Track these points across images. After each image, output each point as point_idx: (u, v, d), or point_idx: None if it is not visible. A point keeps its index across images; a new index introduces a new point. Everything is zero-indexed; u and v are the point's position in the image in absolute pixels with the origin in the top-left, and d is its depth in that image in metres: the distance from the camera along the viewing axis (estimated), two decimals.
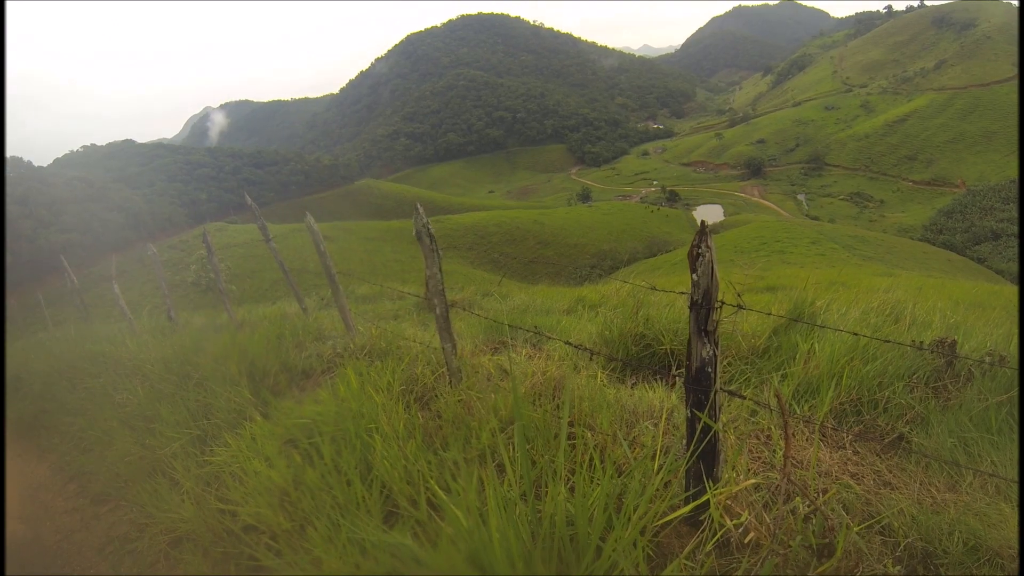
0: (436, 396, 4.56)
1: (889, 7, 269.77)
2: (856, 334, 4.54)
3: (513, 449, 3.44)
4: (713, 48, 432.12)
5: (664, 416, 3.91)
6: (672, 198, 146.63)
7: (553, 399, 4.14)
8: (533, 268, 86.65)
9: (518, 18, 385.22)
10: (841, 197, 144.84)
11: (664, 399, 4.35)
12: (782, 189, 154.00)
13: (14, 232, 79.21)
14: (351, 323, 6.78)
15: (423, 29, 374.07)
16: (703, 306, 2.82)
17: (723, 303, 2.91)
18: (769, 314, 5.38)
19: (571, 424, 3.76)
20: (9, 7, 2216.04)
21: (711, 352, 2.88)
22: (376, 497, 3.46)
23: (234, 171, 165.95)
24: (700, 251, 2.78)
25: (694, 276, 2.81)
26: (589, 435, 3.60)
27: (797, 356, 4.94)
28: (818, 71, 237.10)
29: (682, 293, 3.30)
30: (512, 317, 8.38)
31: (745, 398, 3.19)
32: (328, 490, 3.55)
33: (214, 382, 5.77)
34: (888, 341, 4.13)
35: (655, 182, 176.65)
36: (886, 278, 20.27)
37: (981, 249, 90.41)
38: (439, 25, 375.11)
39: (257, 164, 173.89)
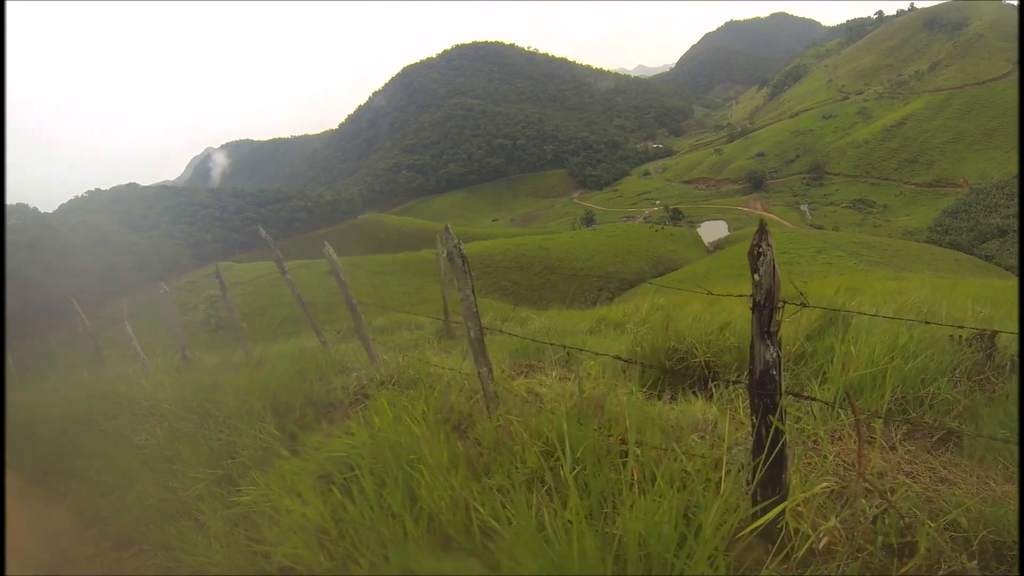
0: (473, 423, 4.43)
1: (880, 12, 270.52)
2: (907, 320, 4.56)
3: (564, 471, 3.26)
4: (707, 64, 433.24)
5: (710, 428, 3.83)
6: (676, 216, 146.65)
7: (596, 418, 4.00)
8: (541, 293, 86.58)
9: (512, 45, 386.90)
10: (844, 205, 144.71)
11: (705, 411, 4.28)
12: (784, 201, 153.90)
13: (23, 279, 79.61)
14: (375, 353, 6.64)
15: (419, 61, 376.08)
16: (766, 307, 2.69)
17: (785, 302, 2.77)
18: (814, 308, 5.27)
19: (621, 441, 3.61)
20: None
21: (775, 355, 2.76)
22: (424, 528, 3.29)
23: (238, 210, 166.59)
24: (761, 250, 2.65)
25: (756, 276, 2.70)
26: (640, 451, 3.44)
27: (835, 359, 4.86)
28: (813, 81, 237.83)
29: (740, 296, 3.16)
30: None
31: (814, 399, 3.06)
32: (371, 525, 3.38)
33: (237, 419, 5.59)
34: (930, 323, 3.99)
35: (658, 201, 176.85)
36: (896, 281, 20.19)
37: (988, 247, 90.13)
38: (435, 56, 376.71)
39: (260, 203, 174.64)
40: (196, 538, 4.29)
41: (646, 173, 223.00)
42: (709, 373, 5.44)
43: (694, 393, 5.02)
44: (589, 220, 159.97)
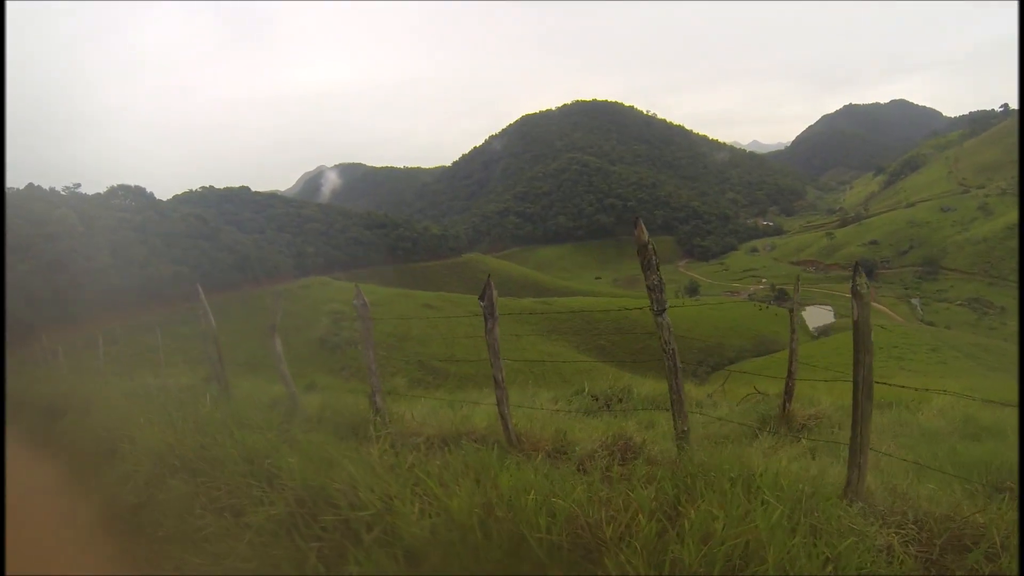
0: None
1: (1006, 105, 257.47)
2: None
3: None
4: (823, 146, 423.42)
5: None
6: (781, 297, 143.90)
7: None
8: (640, 358, 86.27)
9: (631, 107, 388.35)
10: (958, 303, 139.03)
11: None
12: (895, 292, 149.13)
13: (129, 258, 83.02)
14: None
15: (538, 111, 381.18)
16: None
17: None
18: None
19: None
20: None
21: None
22: None
23: (343, 229, 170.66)
24: None
25: None
26: None
27: None
28: (932, 171, 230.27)
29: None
30: None
31: None
32: None
33: None
34: None
35: (763, 279, 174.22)
36: None
37: None
38: (554, 109, 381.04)
39: (367, 225, 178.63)
40: None
41: (754, 249, 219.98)
42: None
43: None
44: (693, 290, 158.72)
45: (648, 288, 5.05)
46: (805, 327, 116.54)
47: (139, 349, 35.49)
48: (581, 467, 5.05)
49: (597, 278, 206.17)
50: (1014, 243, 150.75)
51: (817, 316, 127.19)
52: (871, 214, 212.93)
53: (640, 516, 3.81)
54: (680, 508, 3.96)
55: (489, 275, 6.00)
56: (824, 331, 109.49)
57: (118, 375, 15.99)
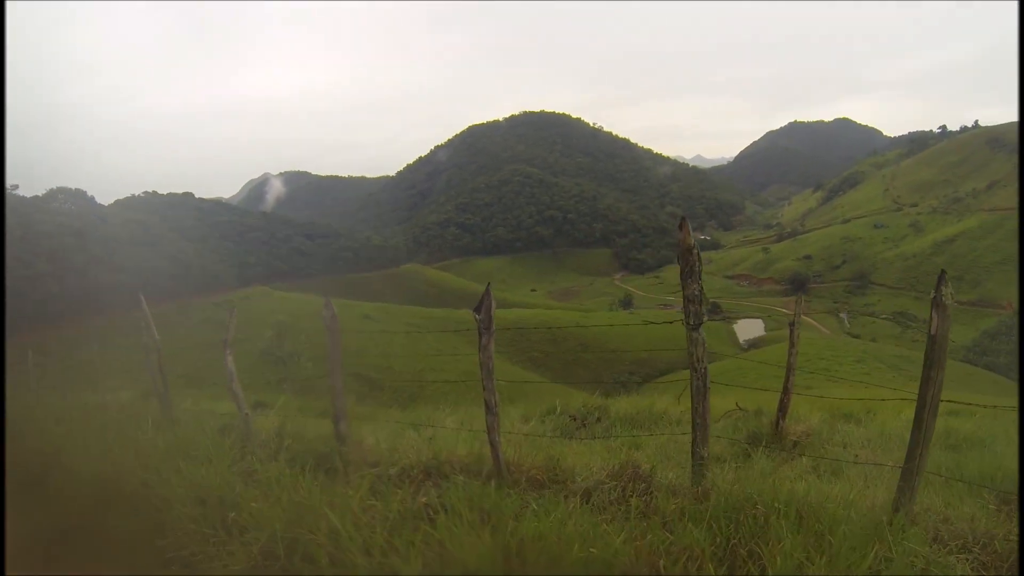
0: None
1: (944, 127, 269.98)
2: None
3: None
4: (765, 162, 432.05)
5: None
6: (714, 310, 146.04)
7: None
8: (572, 369, 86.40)
9: (579, 120, 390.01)
10: (884, 316, 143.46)
11: None
12: (824, 306, 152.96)
13: (67, 264, 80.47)
14: None
15: (485, 122, 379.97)
16: None
17: None
18: None
19: None
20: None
21: None
22: None
23: (286, 239, 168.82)
24: None
25: None
26: None
27: None
28: (869, 189, 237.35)
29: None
30: None
31: None
32: None
33: None
34: None
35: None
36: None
37: None
38: (501, 120, 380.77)
39: (309, 235, 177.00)
40: None
41: None
42: None
43: None
44: (627, 303, 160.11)
45: (686, 299, 4.57)
46: (736, 339, 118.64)
47: (75, 362, 33.94)
48: (587, 500, 4.55)
49: (533, 290, 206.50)
50: (941, 259, 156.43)
51: (748, 329, 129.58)
52: (807, 229, 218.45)
53: (707, 564, 3.32)
54: (736, 549, 3.68)
55: (489, 284, 5.32)
56: (754, 344, 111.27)
57: (51, 392, 14.87)
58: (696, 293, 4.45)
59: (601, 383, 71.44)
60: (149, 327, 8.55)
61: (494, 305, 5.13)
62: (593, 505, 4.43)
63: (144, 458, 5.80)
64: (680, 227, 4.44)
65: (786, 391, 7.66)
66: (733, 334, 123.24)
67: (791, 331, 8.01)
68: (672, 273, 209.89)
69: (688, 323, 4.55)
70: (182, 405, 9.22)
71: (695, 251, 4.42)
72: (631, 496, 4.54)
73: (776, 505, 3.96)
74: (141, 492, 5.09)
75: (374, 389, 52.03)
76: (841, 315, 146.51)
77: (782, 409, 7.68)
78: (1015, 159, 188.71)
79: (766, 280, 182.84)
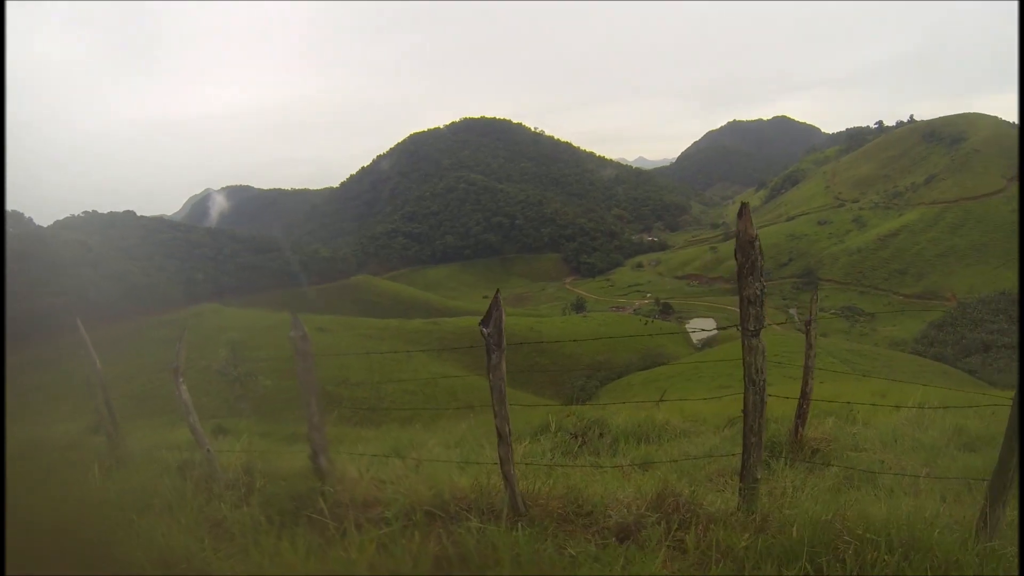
0: None
1: (880, 122, 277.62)
2: None
3: None
4: (707, 162, 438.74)
5: None
6: (666, 310, 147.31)
7: None
8: (529, 376, 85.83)
9: (520, 125, 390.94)
10: (832, 311, 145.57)
11: None
12: (774, 303, 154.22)
13: (8, 288, 77.99)
14: None
15: (427, 130, 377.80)
16: None
17: None
18: None
19: None
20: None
21: None
22: None
23: (233, 254, 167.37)
24: None
25: None
26: None
27: None
28: (811, 186, 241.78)
29: None
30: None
31: None
32: None
33: None
34: None
35: (649, 294, 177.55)
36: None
37: (971, 361, 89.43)
38: (443, 127, 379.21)
39: (256, 250, 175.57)
40: None
41: (639, 265, 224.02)
42: None
43: None
44: (579, 307, 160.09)
45: (745, 300, 3.92)
46: (690, 339, 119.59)
47: (15, 392, 32.10)
48: (626, 538, 3.86)
49: (484, 297, 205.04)
50: (885, 253, 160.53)
51: (701, 327, 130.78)
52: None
53: None
54: None
55: (498, 290, 4.53)
56: (707, 342, 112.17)
57: None
58: (758, 293, 3.81)
59: (562, 386, 71.87)
60: (89, 354, 7.48)
61: (504, 317, 4.40)
62: (638, 545, 3.76)
63: (93, 508, 4.95)
64: (739, 215, 3.79)
65: (804, 396, 7.09)
66: (687, 333, 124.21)
67: (808, 330, 7.44)
68: (622, 276, 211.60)
69: (748, 328, 3.86)
70: (134, 437, 8.20)
71: (757, 243, 3.75)
72: (676, 529, 3.90)
73: (866, 535, 3.38)
74: (88, 553, 4.23)
75: (332, 402, 50.79)
76: (790, 311, 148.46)
77: (801, 416, 7.10)
78: (952, 153, 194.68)
79: (717, 279, 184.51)
